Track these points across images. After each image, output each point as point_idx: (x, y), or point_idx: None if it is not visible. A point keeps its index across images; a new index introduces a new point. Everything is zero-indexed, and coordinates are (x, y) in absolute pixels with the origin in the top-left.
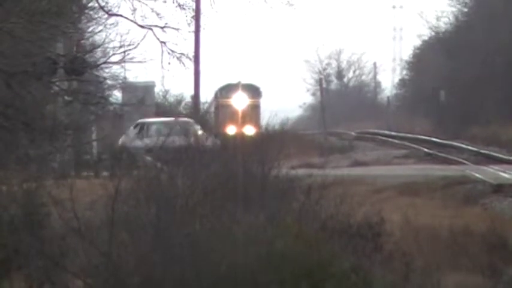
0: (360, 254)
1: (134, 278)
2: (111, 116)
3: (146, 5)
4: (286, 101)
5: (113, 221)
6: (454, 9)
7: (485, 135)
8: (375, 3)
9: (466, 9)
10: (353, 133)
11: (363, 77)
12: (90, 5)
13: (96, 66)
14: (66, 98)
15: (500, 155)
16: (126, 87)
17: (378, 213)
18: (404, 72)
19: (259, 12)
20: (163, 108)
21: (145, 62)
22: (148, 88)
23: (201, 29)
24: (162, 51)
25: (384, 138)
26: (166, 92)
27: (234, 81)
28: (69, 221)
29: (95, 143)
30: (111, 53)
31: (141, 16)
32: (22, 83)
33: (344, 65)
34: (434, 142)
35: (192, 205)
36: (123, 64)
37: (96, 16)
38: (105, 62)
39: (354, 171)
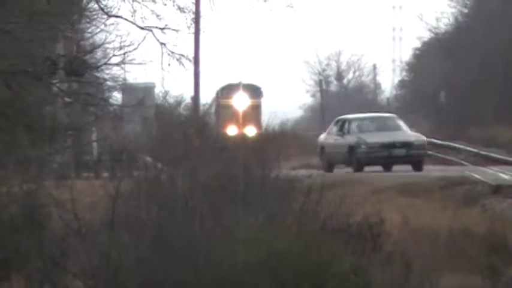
0: (360, 254)
1: (135, 279)
2: (111, 117)
3: (146, 6)
4: (286, 102)
5: (113, 222)
6: (454, 10)
7: (485, 136)
8: (374, 4)
9: (466, 10)
10: None
11: (363, 78)
12: (89, 6)
13: (96, 67)
14: (66, 99)
15: (500, 156)
16: (126, 88)
17: (377, 214)
18: (404, 73)
19: (259, 14)
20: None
21: (145, 63)
22: (148, 89)
23: (201, 32)
24: (162, 53)
25: None
26: (166, 93)
27: (234, 81)
28: (69, 222)
29: (95, 144)
30: (111, 54)
31: (141, 17)
32: (22, 84)
33: (344, 66)
34: (434, 143)
35: (192, 206)
36: (123, 65)
37: (96, 17)
38: (105, 63)
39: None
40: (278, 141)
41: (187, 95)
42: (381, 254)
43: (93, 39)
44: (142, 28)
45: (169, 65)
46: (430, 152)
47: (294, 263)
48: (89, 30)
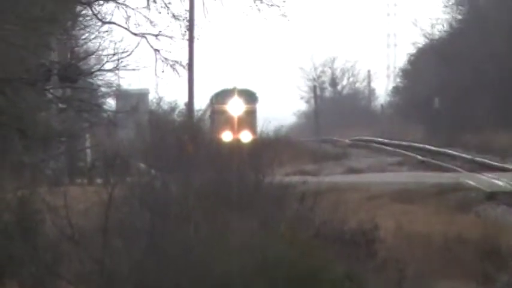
0: (354, 261)
1: (128, 286)
2: (104, 124)
3: (140, 13)
4: (280, 108)
5: (106, 228)
6: (448, 16)
7: (479, 143)
8: (368, 10)
9: (460, 16)
10: (347, 140)
11: (357, 85)
12: (83, 12)
13: (90, 73)
14: (60, 105)
15: (494, 163)
16: (120, 94)
17: (371, 220)
18: (398, 79)
19: (253, 21)
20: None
21: (139, 69)
22: (142, 95)
23: (195, 39)
24: (156, 59)
25: (377, 145)
26: (160, 99)
27: (229, 87)
28: (63, 228)
29: (88, 150)
30: (105, 60)
31: (135, 24)
32: (16, 90)
33: (338, 72)
34: (428, 149)
35: (186, 212)
36: (116, 72)
37: (89, 23)
38: (99, 70)
39: (348, 178)
40: (272, 147)
41: (182, 100)
42: (375, 260)
43: (87, 45)
44: (136, 34)
45: (163, 71)
46: (424, 159)
47: (288, 270)
48: (83, 36)
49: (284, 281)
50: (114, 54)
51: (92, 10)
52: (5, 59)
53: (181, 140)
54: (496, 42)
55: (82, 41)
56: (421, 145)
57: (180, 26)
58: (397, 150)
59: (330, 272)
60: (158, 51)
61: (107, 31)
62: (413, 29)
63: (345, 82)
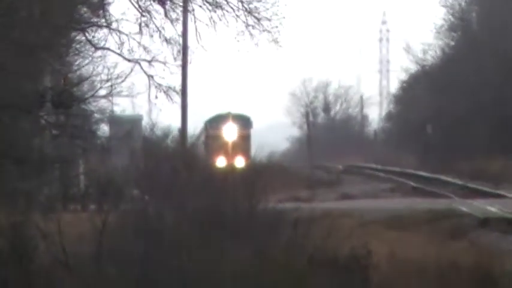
0: (347, 287)
1: None
2: (98, 150)
3: (133, 38)
4: (273, 134)
5: (100, 254)
6: (440, 42)
7: (472, 169)
8: (361, 36)
9: (453, 43)
10: (340, 166)
11: (350, 110)
12: (77, 38)
13: (84, 99)
14: (53, 131)
15: (487, 189)
16: (113, 120)
17: (364, 246)
18: (391, 105)
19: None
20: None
21: (132, 95)
22: (135, 121)
23: (188, 63)
24: (150, 85)
25: (370, 171)
26: (154, 125)
27: (223, 112)
28: (56, 254)
29: (82, 177)
30: (99, 86)
31: (128, 50)
32: (12, 117)
33: (331, 98)
34: (421, 176)
35: (179, 239)
36: (110, 97)
37: (83, 49)
38: (92, 96)
39: (341, 204)
40: (266, 174)
41: (175, 126)
42: (368, 287)
43: (80, 71)
44: (129, 60)
45: (156, 97)
46: (417, 185)
47: None
48: (77, 62)
49: None
50: (107, 80)
51: (85, 36)
52: (2, 86)
53: (174, 167)
54: (490, 69)
55: (76, 67)
56: (414, 171)
57: (173, 50)
58: (390, 176)
59: None
60: (152, 77)
61: (100, 57)
62: (405, 56)
63: (337, 108)
